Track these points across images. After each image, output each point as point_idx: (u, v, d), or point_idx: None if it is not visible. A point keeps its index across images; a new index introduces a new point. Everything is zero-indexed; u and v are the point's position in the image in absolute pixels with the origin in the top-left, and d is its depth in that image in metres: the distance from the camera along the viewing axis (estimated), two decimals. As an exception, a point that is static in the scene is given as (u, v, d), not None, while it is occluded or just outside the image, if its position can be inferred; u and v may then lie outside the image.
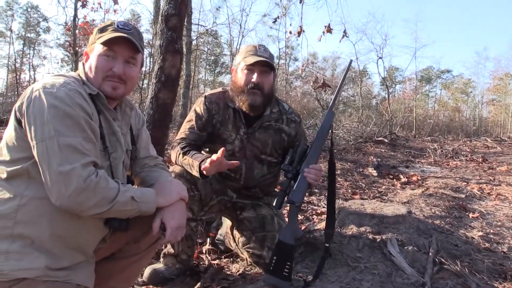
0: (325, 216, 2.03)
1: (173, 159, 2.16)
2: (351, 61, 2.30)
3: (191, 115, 2.25)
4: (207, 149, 2.28)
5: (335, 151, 8.40)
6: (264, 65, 2.09)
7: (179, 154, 2.09)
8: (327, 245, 1.93)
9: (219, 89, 2.30)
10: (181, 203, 1.50)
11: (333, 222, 1.98)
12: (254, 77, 2.08)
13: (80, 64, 1.48)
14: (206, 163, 1.90)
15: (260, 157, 2.23)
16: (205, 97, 2.24)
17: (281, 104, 2.30)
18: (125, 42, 1.41)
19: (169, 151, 2.22)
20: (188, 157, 2.04)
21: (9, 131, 1.31)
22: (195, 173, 1.99)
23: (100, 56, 1.41)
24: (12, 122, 1.31)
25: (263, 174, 2.26)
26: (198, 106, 2.23)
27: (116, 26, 1.43)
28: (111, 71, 1.41)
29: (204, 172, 1.93)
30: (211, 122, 2.20)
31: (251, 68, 2.09)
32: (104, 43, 1.40)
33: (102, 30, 1.44)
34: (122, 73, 1.42)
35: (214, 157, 1.84)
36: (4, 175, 1.28)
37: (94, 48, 1.43)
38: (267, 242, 2.14)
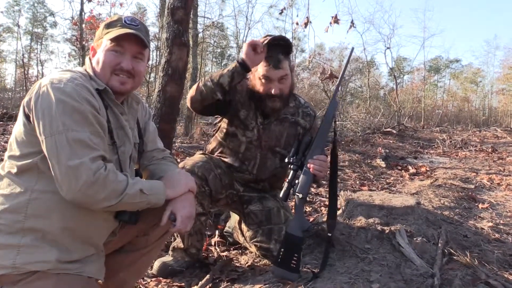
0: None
1: (193, 89, 2.09)
2: (352, 48, 2.29)
3: None
4: (225, 131, 2.25)
5: (342, 142, 8.37)
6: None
7: (204, 78, 2.07)
8: (329, 235, 1.93)
9: None
10: (189, 194, 1.51)
11: (335, 212, 1.97)
12: (273, 88, 2.06)
13: (87, 59, 1.49)
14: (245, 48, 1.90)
15: (275, 149, 2.23)
16: None
17: (297, 99, 2.31)
18: (133, 38, 1.41)
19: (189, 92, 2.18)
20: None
21: (18, 126, 1.32)
22: (232, 67, 1.95)
23: (108, 51, 1.41)
24: (20, 117, 1.32)
25: (276, 167, 2.27)
26: None
27: (124, 22, 1.43)
28: (119, 66, 1.41)
29: (246, 57, 1.90)
30: (232, 96, 2.16)
31: (268, 78, 2.06)
32: (113, 39, 1.40)
33: (110, 25, 1.44)
34: (131, 68, 1.43)
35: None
36: (15, 170, 1.29)
37: (102, 43, 1.43)
38: (274, 234, 2.15)
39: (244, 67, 1.93)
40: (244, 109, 2.19)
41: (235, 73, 1.95)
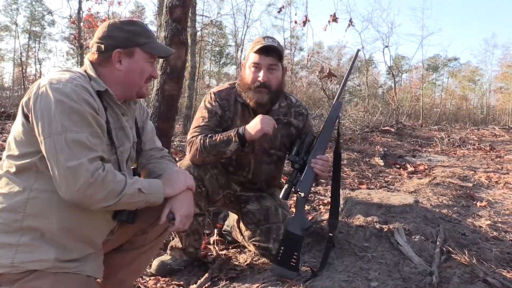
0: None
1: (192, 151, 2.02)
2: (358, 50, 2.27)
3: (202, 113, 2.13)
4: None
5: (341, 141, 8.36)
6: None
7: (205, 139, 1.99)
8: (330, 234, 1.94)
9: (226, 85, 2.24)
10: (188, 192, 1.51)
11: (337, 212, 1.98)
12: (261, 75, 2.02)
13: (86, 61, 1.45)
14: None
15: (269, 151, 2.21)
16: (214, 93, 2.17)
17: (289, 98, 2.27)
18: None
19: (186, 148, 2.10)
20: (217, 136, 1.98)
21: (17, 126, 1.32)
22: (233, 145, 1.93)
23: (146, 62, 1.47)
24: (19, 117, 1.32)
25: (271, 169, 2.26)
26: (209, 102, 2.15)
27: (150, 32, 1.48)
28: (152, 75, 1.51)
29: (251, 133, 1.91)
30: (225, 118, 2.14)
31: (257, 65, 2.03)
32: (150, 53, 1.48)
33: (141, 35, 1.44)
34: (157, 76, 1.48)
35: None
36: (13, 169, 1.29)
37: (137, 53, 1.44)
38: (273, 233, 2.15)
39: (243, 143, 1.95)
40: (232, 123, 2.14)
41: (237, 149, 1.97)
